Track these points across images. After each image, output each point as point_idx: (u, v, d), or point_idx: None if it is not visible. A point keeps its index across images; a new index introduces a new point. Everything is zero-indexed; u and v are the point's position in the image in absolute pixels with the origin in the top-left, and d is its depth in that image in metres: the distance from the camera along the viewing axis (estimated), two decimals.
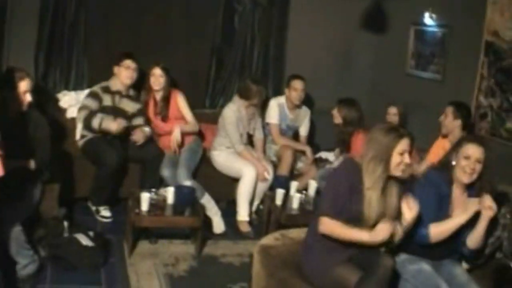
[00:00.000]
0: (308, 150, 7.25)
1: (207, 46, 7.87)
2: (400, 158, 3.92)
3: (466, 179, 4.16)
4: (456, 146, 4.28)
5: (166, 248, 5.91)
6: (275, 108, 7.26)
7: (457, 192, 4.27)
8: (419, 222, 4.04)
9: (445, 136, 6.18)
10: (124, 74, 6.43)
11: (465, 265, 4.71)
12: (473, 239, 4.22)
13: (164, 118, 6.83)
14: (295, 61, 8.03)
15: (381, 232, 3.74)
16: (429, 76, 7.74)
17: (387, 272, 3.71)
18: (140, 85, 6.78)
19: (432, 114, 6.87)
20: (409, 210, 3.90)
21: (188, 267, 5.56)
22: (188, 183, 6.19)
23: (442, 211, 4.17)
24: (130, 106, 6.55)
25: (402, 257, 4.23)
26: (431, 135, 6.45)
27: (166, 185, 6.13)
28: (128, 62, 6.44)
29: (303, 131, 7.53)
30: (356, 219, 3.92)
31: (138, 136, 6.39)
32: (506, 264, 4.54)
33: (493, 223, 4.29)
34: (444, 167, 4.30)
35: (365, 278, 3.74)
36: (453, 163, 4.21)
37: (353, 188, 3.95)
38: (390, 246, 4.05)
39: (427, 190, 4.18)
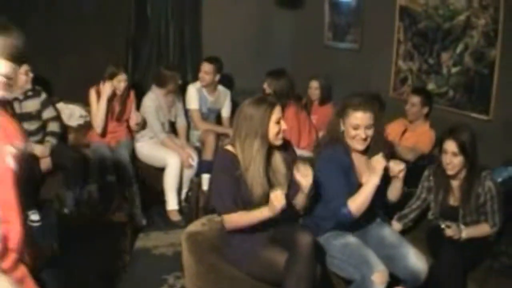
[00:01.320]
0: (231, 132, 7.14)
1: (122, 39, 7.70)
2: (277, 127, 3.83)
3: (360, 146, 4.13)
4: (341, 114, 4.19)
5: None
6: (194, 93, 7.13)
7: (357, 158, 4.22)
8: (335, 201, 4.00)
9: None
10: (23, 80, 6.02)
11: (397, 226, 4.74)
12: (393, 193, 4.27)
13: (120, 119, 6.72)
14: (212, 44, 7.93)
15: (275, 201, 3.60)
16: (346, 46, 7.74)
17: (309, 248, 3.60)
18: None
19: (353, 83, 6.88)
20: (304, 177, 3.79)
21: (121, 263, 5.45)
22: (111, 178, 6.03)
23: (351, 183, 4.11)
24: (32, 106, 6.20)
25: (326, 234, 4.19)
26: None
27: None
28: (25, 67, 6.05)
29: (225, 112, 7.42)
30: (251, 203, 3.83)
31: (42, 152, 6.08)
32: (437, 224, 4.54)
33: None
34: (334, 137, 4.24)
35: (290, 259, 3.64)
36: (342, 129, 4.17)
37: (233, 176, 3.84)
38: (299, 214, 4.11)
39: (329, 167, 4.09)
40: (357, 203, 3.96)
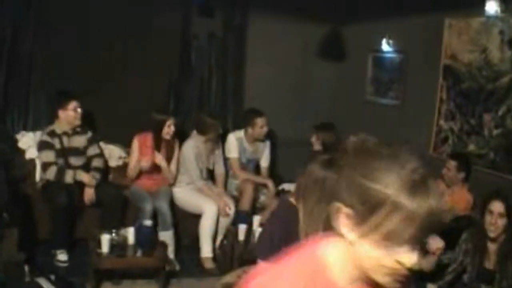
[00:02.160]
0: (269, 182, 7.20)
1: (165, 82, 7.80)
2: None
3: None
4: None
5: None
6: (234, 143, 7.20)
7: None
8: None
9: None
10: (72, 116, 6.36)
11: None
12: (425, 266, 4.26)
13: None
14: (254, 93, 8.00)
15: None
16: (388, 102, 7.74)
17: None
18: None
19: (393, 140, 6.85)
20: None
21: None
22: (148, 223, 6.05)
23: None
24: (80, 142, 6.49)
25: None
26: None
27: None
28: (75, 104, 6.38)
29: (264, 162, 7.47)
30: None
31: (89, 180, 6.33)
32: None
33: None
34: None
35: None
36: None
37: (290, 232, 3.55)
38: None
39: None
40: None
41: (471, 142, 6.41)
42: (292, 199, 3.79)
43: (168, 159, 6.78)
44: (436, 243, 4.05)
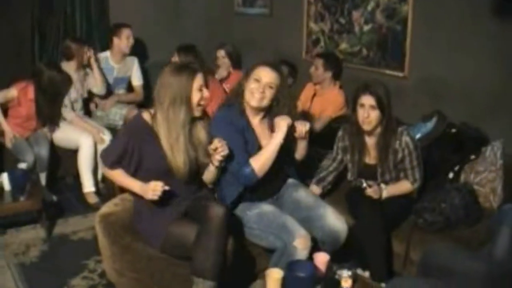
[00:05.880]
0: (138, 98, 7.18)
1: (27, 20, 7.37)
2: (199, 95, 3.69)
3: (254, 102, 4.01)
4: (249, 71, 4.10)
5: (15, 237, 5.52)
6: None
7: (256, 121, 4.13)
8: (235, 165, 3.94)
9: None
10: None
11: (316, 190, 4.68)
12: (300, 153, 4.23)
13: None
14: (121, 19, 7.63)
15: (151, 190, 3.60)
16: (257, 12, 7.62)
17: (219, 221, 3.47)
18: None
19: (266, 49, 6.79)
20: (217, 151, 3.74)
21: (39, 252, 5.22)
22: (22, 165, 5.76)
23: (250, 143, 4.02)
24: None
25: (240, 206, 4.10)
26: None
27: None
28: None
29: (136, 81, 7.25)
30: (165, 173, 3.72)
31: None
32: (357, 184, 4.49)
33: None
34: (233, 97, 4.14)
35: (200, 233, 3.51)
36: (242, 88, 4.09)
37: (145, 143, 3.74)
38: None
39: (223, 128, 3.97)
40: (260, 161, 3.91)
41: (343, 41, 6.43)
42: (145, 115, 3.81)
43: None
44: (303, 125, 3.97)
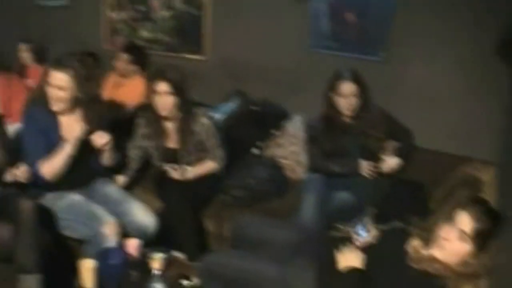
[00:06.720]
0: None
1: None
2: None
3: (53, 106, 3.90)
4: (45, 74, 3.97)
5: None
6: None
7: (64, 118, 4.02)
8: (30, 159, 3.89)
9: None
10: None
11: (121, 179, 4.63)
12: (106, 160, 4.17)
13: None
14: None
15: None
16: (55, 4, 7.38)
17: (29, 215, 3.41)
18: None
19: (67, 41, 6.69)
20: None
21: None
22: None
23: (51, 142, 3.93)
24: None
25: (48, 196, 4.00)
26: None
27: None
28: None
29: None
30: None
31: None
32: (162, 169, 4.58)
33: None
34: (38, 96, 4.00)
35: (15, 230, 3.41)
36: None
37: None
38: None
39: (26, 124, 3.94)
40: (49, 165, 3.88)
41: (143, 29, 6.43)
42: None
43: None
44: (101, 138, 3.95)
